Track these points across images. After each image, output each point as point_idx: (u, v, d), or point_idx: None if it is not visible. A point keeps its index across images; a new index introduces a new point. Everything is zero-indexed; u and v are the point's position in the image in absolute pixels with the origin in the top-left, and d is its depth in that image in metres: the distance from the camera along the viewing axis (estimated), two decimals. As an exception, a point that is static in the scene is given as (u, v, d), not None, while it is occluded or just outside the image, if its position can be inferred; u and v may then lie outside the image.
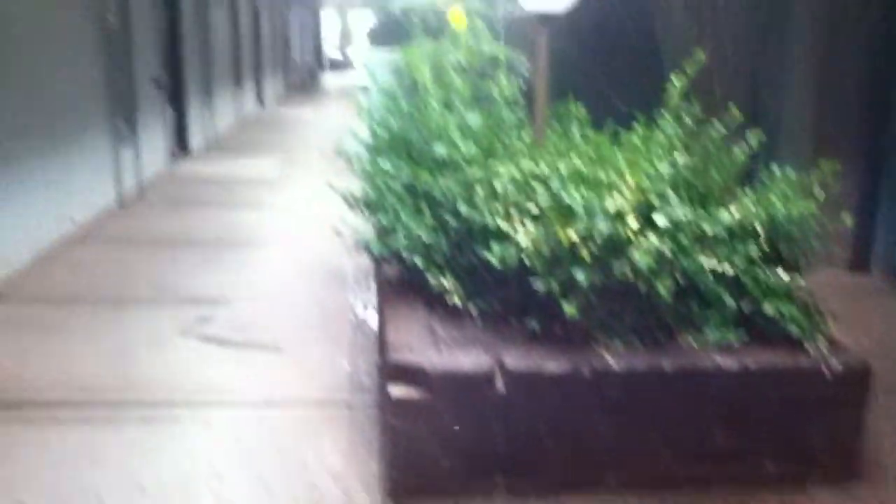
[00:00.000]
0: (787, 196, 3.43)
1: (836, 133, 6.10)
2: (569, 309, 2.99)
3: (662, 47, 9.61)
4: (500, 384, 2.96)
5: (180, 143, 10.84)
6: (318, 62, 34.59)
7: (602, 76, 10.17)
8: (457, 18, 7.08)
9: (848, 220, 3.43)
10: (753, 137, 3.63)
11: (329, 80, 31.38)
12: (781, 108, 7.46)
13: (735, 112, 3.64)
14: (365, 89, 13.50)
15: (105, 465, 3.19)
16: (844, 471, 3.20)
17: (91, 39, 7.27)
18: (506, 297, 3.45)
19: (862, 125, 5.99)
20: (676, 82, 3.75)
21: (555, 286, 3.02)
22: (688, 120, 3.76)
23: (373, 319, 4.71)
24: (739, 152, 3.65)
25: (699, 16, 8.62)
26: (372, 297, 5.08)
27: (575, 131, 4.62)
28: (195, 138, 11.41)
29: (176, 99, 10.56)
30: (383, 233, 3.83)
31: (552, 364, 2.98)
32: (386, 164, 4.18)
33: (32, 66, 5.94)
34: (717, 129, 3.69)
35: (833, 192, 3.43)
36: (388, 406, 3.02)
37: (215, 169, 10.15)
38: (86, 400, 3.71)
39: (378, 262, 4.04)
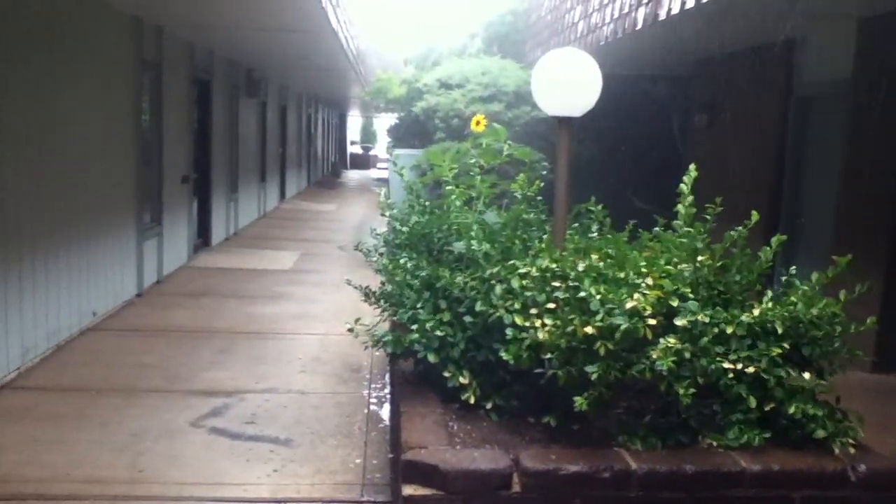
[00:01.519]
0: (809, 296, 3.40)
1: (859, 232, 6.10)
2: (580, 402, 2.95)
3: (683, 149, 9.80)
4: (516, 484, 2.88)
5: (203, 236, 11.02)
6: (342, 159, 35.50)
7: (622, 177, 10.34)
8: (477, 123, 7.29)
9: (871, 321, 3.38)
10: (776, 240, 3.63)
11: (351, 175, 32.08)
12: (804, 209, 7.52)
13: (755, 214, 3.65)
14: (385, 186, 13.79)
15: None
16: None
17: (123, 137, 7.52)
18: (523, 395, 3.41)
19: (886, 222, 5.99)
20: (689, 183, 3.77)
21: (568, 380, 2.98)
22: (708, 221, 3.78)
23: (387, 415, 4.65)
24: (762, 253, 3.65)
25: (719, 118, 8.82)
26: (387, 393, 5.03)
27: (594, 231, 4.67)
28: (217, 231, 11.61)
29: (202, 194, 10.81)
30: (400, 328, 3.83)
31: (570, 464, 2.90)
32: (405, 260, 4.22)
33: (65, 162, 6.12)
34: (739, 230, 3.69)
35: (857, 291, 3.39)
36: (401, 505, 2.94)
37: (235, 261, 10.27)
38: (92, 494, 3.64)
39: (395, 357, 4.02)
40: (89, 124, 6.61)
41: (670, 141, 10.20)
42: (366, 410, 4.85)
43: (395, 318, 4.04)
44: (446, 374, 3.44)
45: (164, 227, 8.80)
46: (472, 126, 7.21)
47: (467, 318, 3.50)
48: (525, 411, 3.37)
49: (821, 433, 3.11)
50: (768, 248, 3.61)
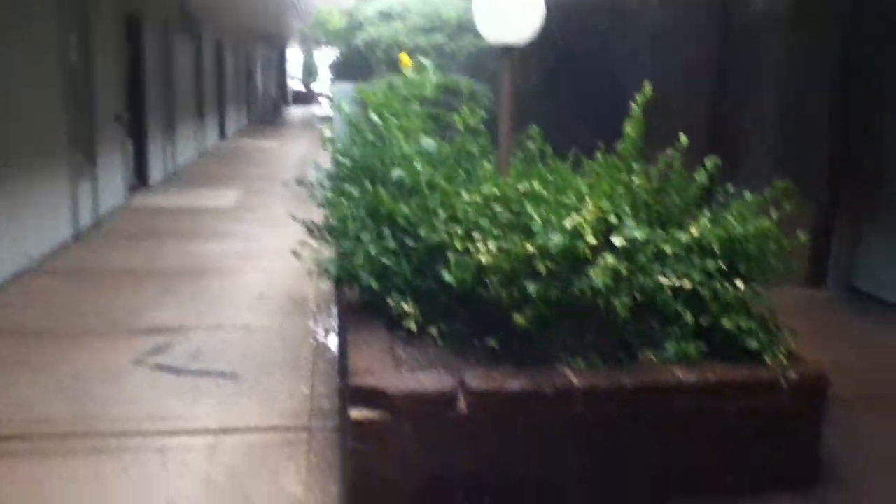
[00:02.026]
0: (745, 215, 3.49)
1: (794, 155, 6.25)
2: (519, 319, 2.99)
3: (624, 76, 9.81)
4: (462, 404, 2.93)
5: (141, 176, 10.73)
6: (283, 95, 34.66)
7: (565, 105, 10.32)
8: (405, 60, 7.23)
9: (803, 236, 3.49)
10: (710, 162, 3.69)
11: (293, 112, 31.42)
12: (743, 132, 7.64)
13: (686, 139, 3.70)
14: (328, 121, 13.54)
15: (56, 497, 3.09)
16: (802, 478, 3.24)
17: (50, 75, 7.19)
18: (467, 319, 3.45)
19: (820, 148, 6.15)
20: (633, 110, 3.79)
21: (510, 300, 3.02)
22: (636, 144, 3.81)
23: (334, 345, 4.66)
24: (698, 175, 3.70)
25: (662, 45, 8.83)
26: (333, 323, 5.04)
27: (538, 159, 4.68)
28: (155, 171, 11.30)
29: (137, 133, 10.47)
30: (344, 258, 3.81)
31: (514, 383, 2.96)
32: (348, 191, 4.18)
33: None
34: (673, 153, 3.74)
35: (790, 210, 3.49)
36: (348, 429, 2.97)
37: (175, 201, 10.05)
38: (37, 432, 3.60)
39: (339, 284, 4.01)
40: (12, 62, 6.29)
41: (614, 70, 10.20)
42: (312, 342, 4.85)
43: (340, 252, 4.02)
44: (390, 302, 3.45)
45: (99, 168, 8.53)
46: (401, 64, 7.16)
47: (411, 245, 3.50)
48: (470, 335, 3.41)
49: (754, 345, 3.23)
50: (703, 170, 3.68)
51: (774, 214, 3.46)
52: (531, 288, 2.98)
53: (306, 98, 38.06)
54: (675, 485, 3.12)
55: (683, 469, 3.12)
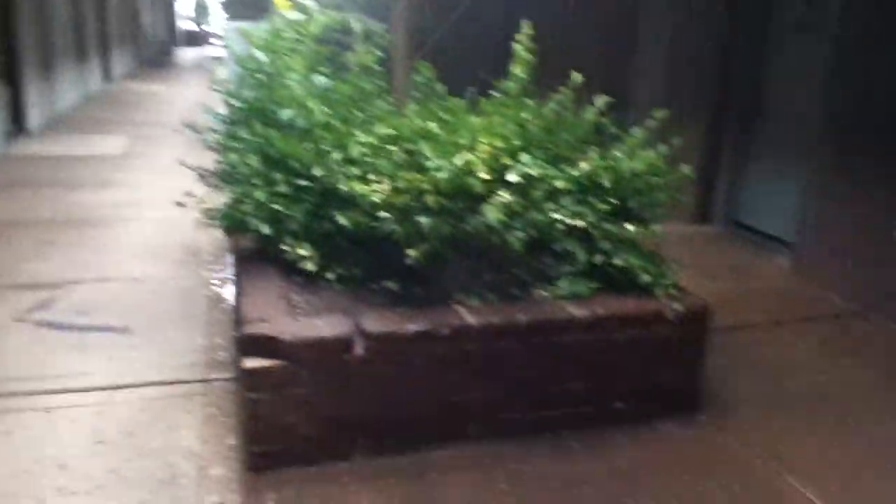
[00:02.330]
0: (634, 153, 3.57)
1: (680, 97, 6.41)
2: (413, 253, 2.99)
3: (525, 11, 9.76)
4: (359, 348, 2.92)
5: (16, 122, 10.04)
6: (172, 36, 32.99)
7: (464, 45, 10.21)
8: (281, 4, 7.01)
9: (688, 171, 3.59)
10: (601, 101, 3.73)
11: (184, 54, 30.00)
12: (633, 76, 7.77)
13: (577, 76, 3.72)
14: (220, 62, 12.96)
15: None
16: (687, 404, 3.41)
17: None
18: (364, 262, 3.42)
19: (703, 91, 6.33)
20: (523, 51, 3.77)
21: (405, 236, 3.01)
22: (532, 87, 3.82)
23: (230, 295, 4.55)
24: (589, 114, 3.74)
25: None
26: (229, 273, 4.91)
27: (434, 99, 4.62)
28: (34, 117, 10.60)
29: (10, 76, 9.75)
30: (236, 204, 3.69)
31: (411, 324, 2.97)
32: (239, 134, 4.03)
33: None
34: (568, 91, 3.76)
35: (676, 149, 3.58)
36: (243, 379, 2.92)
37: (56, 148, 9.47)
38: None
39: (230, 233, 3.89)
40: None
41: (511, 10, 10.14)
42: (207, 292, 4.72)
43: (232, 198, 3.88)
44: (284, 248, 3.38)
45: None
46: (279, 6, 6.93)
47: (305, 188, 3.42)
48: (367, 278, 3.39)
49: (645, 279, 3.34)
50: (593, 108, 3.71)
51: (662, 148, 3.55)
52: (424, 222, 2.97)
53: (198, 39, 36.33)
54: (568, 416, 3.23)
55: (574, 400, 3.22)
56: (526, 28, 3.74)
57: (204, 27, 38.22)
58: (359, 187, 3.16)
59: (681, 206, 3.79)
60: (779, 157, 5.90)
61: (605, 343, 3.19)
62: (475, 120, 3.77)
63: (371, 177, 3.25)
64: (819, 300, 4.83)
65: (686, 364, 3.36)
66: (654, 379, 3.32)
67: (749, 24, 6.08)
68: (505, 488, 2.87)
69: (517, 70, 3.77)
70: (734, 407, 3.50)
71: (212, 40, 34.58)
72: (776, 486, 2.94)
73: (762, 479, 2.98)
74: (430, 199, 2.96)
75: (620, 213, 3.43)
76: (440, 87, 4.55)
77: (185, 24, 38.03)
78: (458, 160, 3.05)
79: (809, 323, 4.49)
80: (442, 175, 2.98)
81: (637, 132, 3.64)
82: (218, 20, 31.47)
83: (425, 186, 2.97)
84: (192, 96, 15.06)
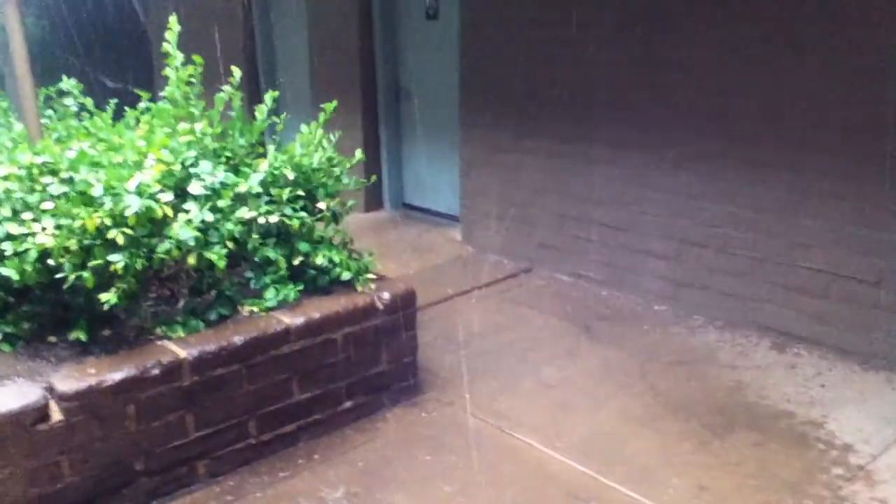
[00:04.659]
0: (309, 146, 3.54)
1: (334, 86, 6.53)
2: (109, 297, 2.67)
3: (146, 19, 9.16)
4: (56, 413, 2.52)
5: None
6: None
7: (86, 56, 9.30)
8: None
9: (360, 155, 3.66)
10: (269, 96, 3.63)
11: None
12: (283, 73, 7.74)
13: (237, 70, 3.58)
14: None
15: None
16: (409, 386, 3.52)
17: None
18: (37, 315, 2.95)
19: (354, 85, 6.52)
20: (172, 57, 3.51)
21: (95, 279, 2.66)
22: (194, 86, 3.58)
23: None
24: (257, 112, 3.62)
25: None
26: None
27: (75, 116, 4.13)
28: None
29: None
30: None
31: (114, 373, 2.63)
32: None
33: None
34: (229, 90, 3.59)
35: (343, 142, 3.62)
36: None
37: None
38: None
39: None
40: None
41: (132, 12, 9.46)
42: None
43: None
44: (-71, 314, 2.79)
45: None
46: None
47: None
48: (44, 332, 2.94)
49: (346, 275, 3.36)
50: (263, 106, 3.61)
51: (332, 137, 3.57)
52: (116, 260, 2.64)
53: None
54: (303, 427, 3.14)
55: (305, 410, 3.14)
56: (173, 24, 3.46)
57: None
58: (17, 229, 2.71)
59: (365, 184, 3.86)
60: (430, 137, 6.31)
61: (324, 346, 3.15)
62: (132, 134, 3.44)
63: (27, 216, 2.80)
64: (493, 265, 5.29)
65: (401, 349, 3.45)
66: (375, 370, 3.36)
67: (383, 14, 6.38)
68: (253, 520, 2.72)
69: (173, 73, 3.50)
70: (450, 379, 3.70)
71: None
72: (508, 443, 3.17)
73: (493, 439, 3.19)
74: (114, 235, 2.63)
75: (309, 210, 3.41)
76: (88, 102, 4.09)
77: None
78: (131, 184, 2.75)
79: (490, 287, 4.90)
80: (130, 205, 2.66)
81: (308, 127, 3.61)
82: None
83: (106, 221, 2.63)
84: None
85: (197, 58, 3.52)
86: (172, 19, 3.44)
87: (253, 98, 7.24)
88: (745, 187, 4.07)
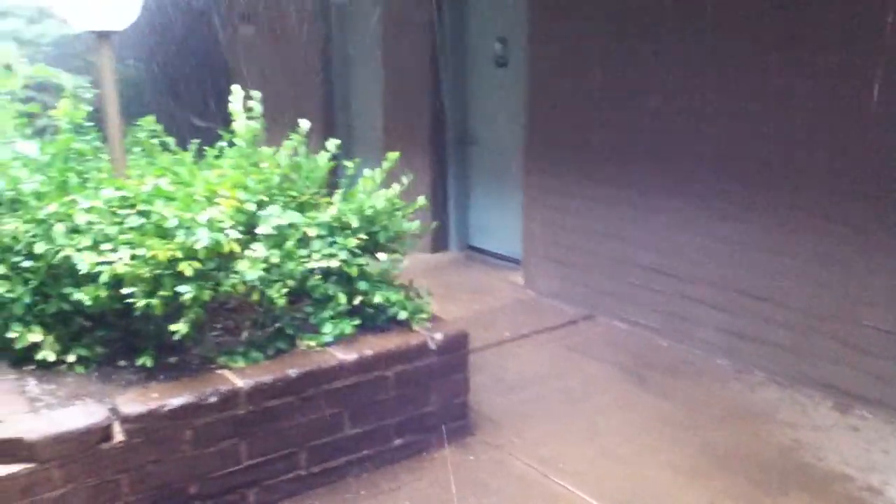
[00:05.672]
0: (372, 190, 3.67)
1: (404, 137, 6.73)
2: (179, 328, 2.83)
3: (232, 62, 9.62)
4: (118, 434, 2.67)
5: None
6: None
7: (176, 96, 9.83)
8: None
9: (423, 201, 3.77)
10: (332, 144, 3.79)
11: None
12: (356, 116, 8.01)
13: (304, 123, 3.77)
14: None
15: None
16: (458, 427, 3.56)
17: None
18: (109, 340, 3.14)
19: (424, 129, 6.70)
20: (235, 103, 3.73)
21: (163, 308, 2.83)
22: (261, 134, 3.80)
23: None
24: (323, 157, 3.78)
25: (263, 28, 8.80)
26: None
27: (158, 152, 4.40)
28: None
29: None
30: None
31: (174, 398, 2.78)
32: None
33: None
34: (297, 137, 3.77)
35: (409, 183, 3.74)
36: (-18, 493, 2.53)
37: None
38: None
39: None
40: None
41: (221, 54, 9.96)
42: None
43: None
44: (12, 335, 3.00)
45: None
46: None
47: (27, 265, 3.06)
48: (115, 356, 3.12)
49: (403, 314, 3.45)
50: (327, 152, 3.77)
51: (397, 186, 3.69)
52: (185, 291, 2.80)
53: None
54: (351, 462, 3.22)
55: (354, 445, 3.22)
56: (236, 87, 3.71)
57: None
58: (95, 259, 2.91)
59: (428, 230, 3.98)
60: (495, 181, 6.42)
61: (376, 383, 3.24)
62: (208, 172, 3.66)
63: (105, 247, 3.01)
64: (553, 310, 5.31)
65: (452, 390, 3.50)
66: (426, 409, 3.43)
67: (454, 61, 6.56)
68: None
69: (243, 117, 3.71)
70: (500, 422, 3.72)
71: None
72: (552, 490, 3.18)
73: (537, 485, 3.20)
74: (184, 267, 2.80)
75: (370, 250, 3.52)
76: (168, 141, 4.35)
77: None
78: (203, 217, 2.93)
79: (548, 332, 4.91)
80: (200, 239, 2.83)
81: (372, 172, 3.75)
82: None
83: (178, 254, 2.81)
84: None
85: (255, 104, 3.71)
86: (236, 87, 3.66)
87: (328, 137, 7.49)
88: (805, 240, 4.01)
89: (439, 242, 6.79)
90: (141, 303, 2.82)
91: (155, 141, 4.50)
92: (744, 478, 3.23)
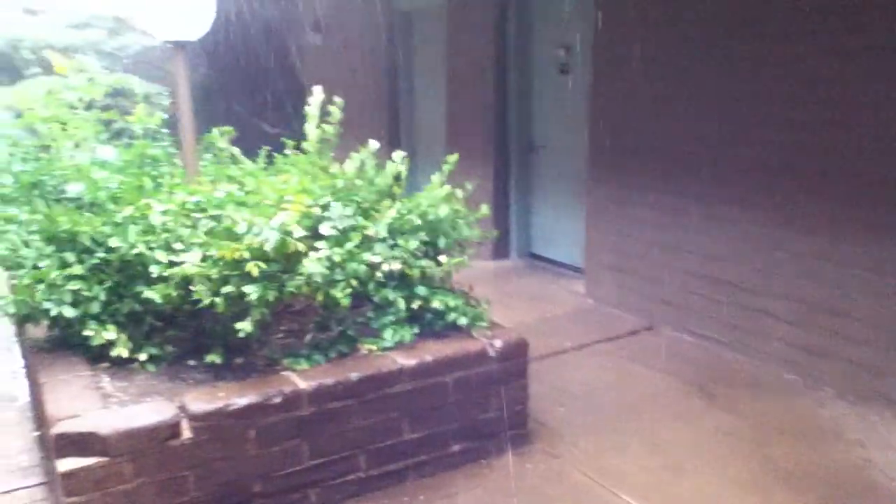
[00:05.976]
0: (437, 197, 3.70)
1: (468, 144, 6.76)
2: (244, 326, 2.91)
3: (302, 68, 9.82)
4: (186, 431, 2.76)
5: None
6: None
7: (248, 103, 10.10)
8: (57, 63, 6.67)
9: (486, 209, 3.78)
10: (398, 155, 3.84)
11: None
12: (420, 123, 8.08)
13: (373, 143, 3.83)
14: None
15: None
16: (518, 435, 3.54)
17: None
18: (179, 339, 3.25)
19: (487, 136, 6.72)
20: (313, 106, 3.83)
21: (227, 306, 2.91)
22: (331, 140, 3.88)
23: (24, 392, 4.12)
24: (389, 165, 3.84)
25: (330, 36, 8.96)
26: (19, 367, 4.44)
27: (228, 158, 4.54)
28: None
29: None
30: (24, 290, 3.36)
31: (240, 398, 2.86)
32: (14, 214, 3.68)
33: None
34: (367, 152, 3.84)
35: (471, 189, 3.77)
36: (60, 484, 2.65)
37: None
38: None
39: (23, 322, 3.51)
40: None
41: (290, 61, 10.19)
42: (-7, 391, 4.24)
43: (14, 283, 3.53)
44: (88, 332, 3.13)
45: None
46: (56, 70, 6.61)
47: (103, 265, 3.20)
48: (184, 356, 3.23)
49: (462, 320, 3.47)
50: (392, 162, 3.82)
51: (459, 192, 3.72)
52: (251, 291, 2.89)
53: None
54: (409, 466, 3.25)
55: (413, 449, 3.25)
56: (317, 89, 3.80)
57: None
58: (168, 259, 3.02)
59: (489, 237, 4.00)
60: (558, 189, 6.39)
61: (435, 388, 3.26)
62: (274, 179, 3.75)
63: (177, 247, 3.12)
64: (614, 319, 5.26)
65: (511, 398, 3.50)
66: (484, 416, 3.44)
67: (518, 68, 6.56)
68: (356, 550, 2.84)
69: (312, 126, 3.81)
70: (558, 431, 3.71)
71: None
72: (610, 501, 3.14)
73: (595, 496, 3.18)
74: (251, 267, 2.88)
75: (431, 255, 3.56)
76: (236, 150, 4.48)
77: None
78: (275, 222, 3.01)
79: (609, 342, 4.87)
80: (268, 239, 2.92)
81: (435, 178, 3.79)
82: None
83: (245, 254, 2.89)
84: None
85: (334, 109, 3.80)
86: (317, 88, 3.75)
87: (393, 143, 7.61)
88: (882, 255, 3.87)
89: (500, 250, 6.80)
90: (206, 300, 2.92)
91: (224, 147, 4.64)
92: (811, 495, 3.14)
